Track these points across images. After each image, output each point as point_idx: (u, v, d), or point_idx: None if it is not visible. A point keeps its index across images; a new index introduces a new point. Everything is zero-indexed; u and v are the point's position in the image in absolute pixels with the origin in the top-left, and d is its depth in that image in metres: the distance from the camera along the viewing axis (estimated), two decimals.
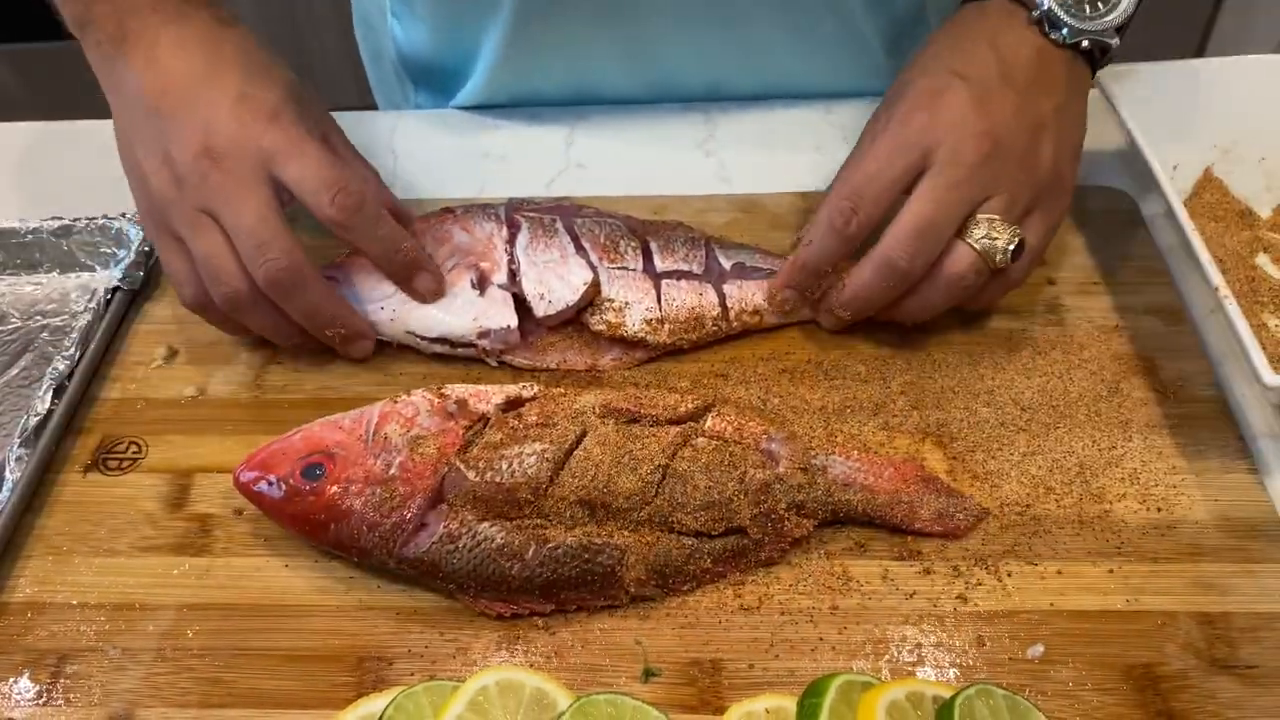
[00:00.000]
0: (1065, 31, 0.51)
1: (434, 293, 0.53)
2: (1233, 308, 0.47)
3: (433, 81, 0.73)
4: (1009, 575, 0.45)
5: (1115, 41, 0.52)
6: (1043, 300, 0.56)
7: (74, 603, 0.46)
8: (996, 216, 0.49)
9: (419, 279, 0.53)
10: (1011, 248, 0.49)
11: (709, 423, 0.48)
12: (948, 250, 0.49)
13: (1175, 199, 0.52)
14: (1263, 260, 0.58)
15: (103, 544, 0.48)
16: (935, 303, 0.51)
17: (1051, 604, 0.44)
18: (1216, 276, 0.49)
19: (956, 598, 0.45)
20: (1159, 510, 0.47)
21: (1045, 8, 0.51)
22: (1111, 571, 0.45)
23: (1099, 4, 0.51)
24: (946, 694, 0.39)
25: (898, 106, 0.50)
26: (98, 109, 0.71)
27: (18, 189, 0.68)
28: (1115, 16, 0.51)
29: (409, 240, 0.53)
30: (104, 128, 0.72)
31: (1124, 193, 0.61)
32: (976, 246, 0.49)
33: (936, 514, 0.47)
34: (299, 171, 0.49)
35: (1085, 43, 0.51)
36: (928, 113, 0.49)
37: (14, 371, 0.59)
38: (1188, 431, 0.50)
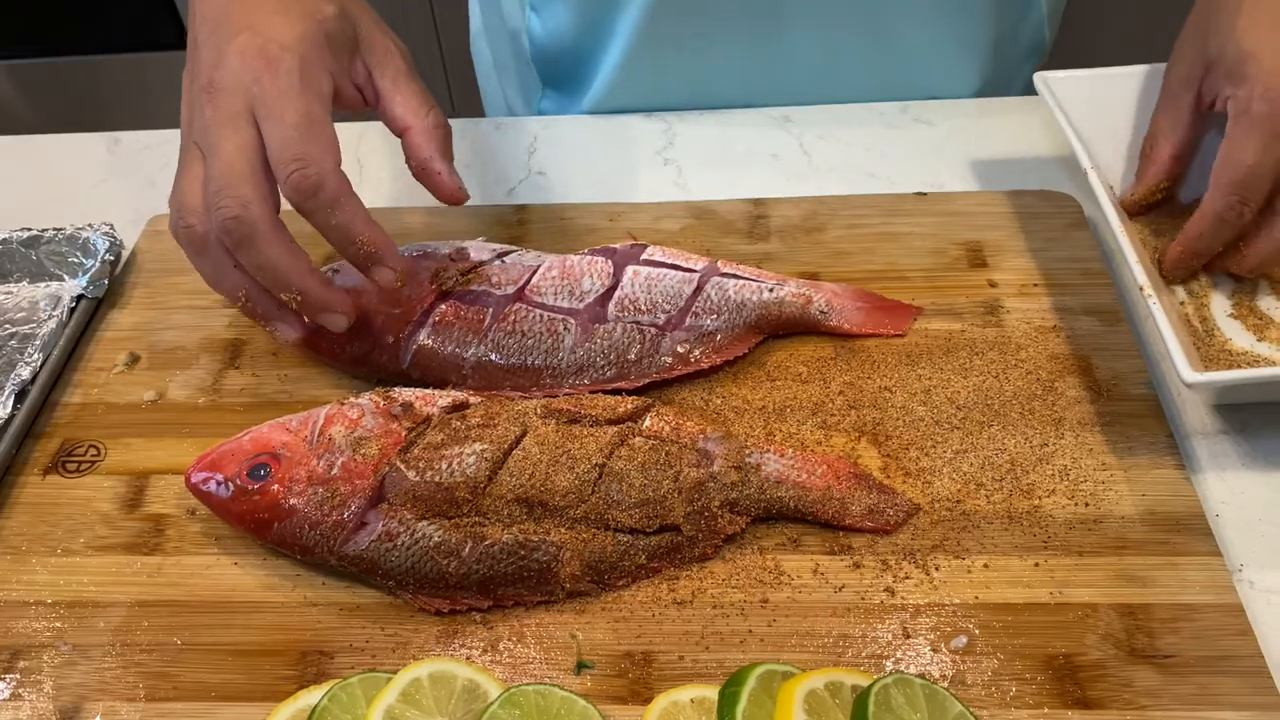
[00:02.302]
0: None
1: (393, 281, 0.50)
2: (1156, 307, 0.48)
3: (561, 81, 0.76)
4: (936, 569, 0.46)
5: None
6: (983, 301, 0.57)
7: (28, 600, 0.48)
8: None
9: (376, 272, 0.50)
10: None
11: (647, 423, 0.49)
12: None
13: (1105, 198, 0.53)
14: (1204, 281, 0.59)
15: (59, 544, 0.50)
16: None
17: (977, 597, 0.45)
18: (1141, 275, 0.50)
19: (884, 590, 0.46)
20: (1087, 505, 0.48)
21: None
22: (1038, 565, 0.46)
23: None
24: (865, 683, 0.40)
25: (1256, 89, 0.51)
26: (66, 125, 0.73)
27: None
28: None
29: (371, 230, 0.49)
30: (70, 140, 0.74)
31: (1069, 196, 0.62)
32: None
33: (867, 510, 0.48)
34: (269, 131, 0.48)
35: None
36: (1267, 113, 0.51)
37: None
38: (1119, 429, 0.51)
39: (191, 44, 0.51)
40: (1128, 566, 0.46)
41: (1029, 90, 0.77)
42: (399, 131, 0.53)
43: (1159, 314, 0.48)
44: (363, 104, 0.53)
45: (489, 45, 0.83)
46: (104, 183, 0.70)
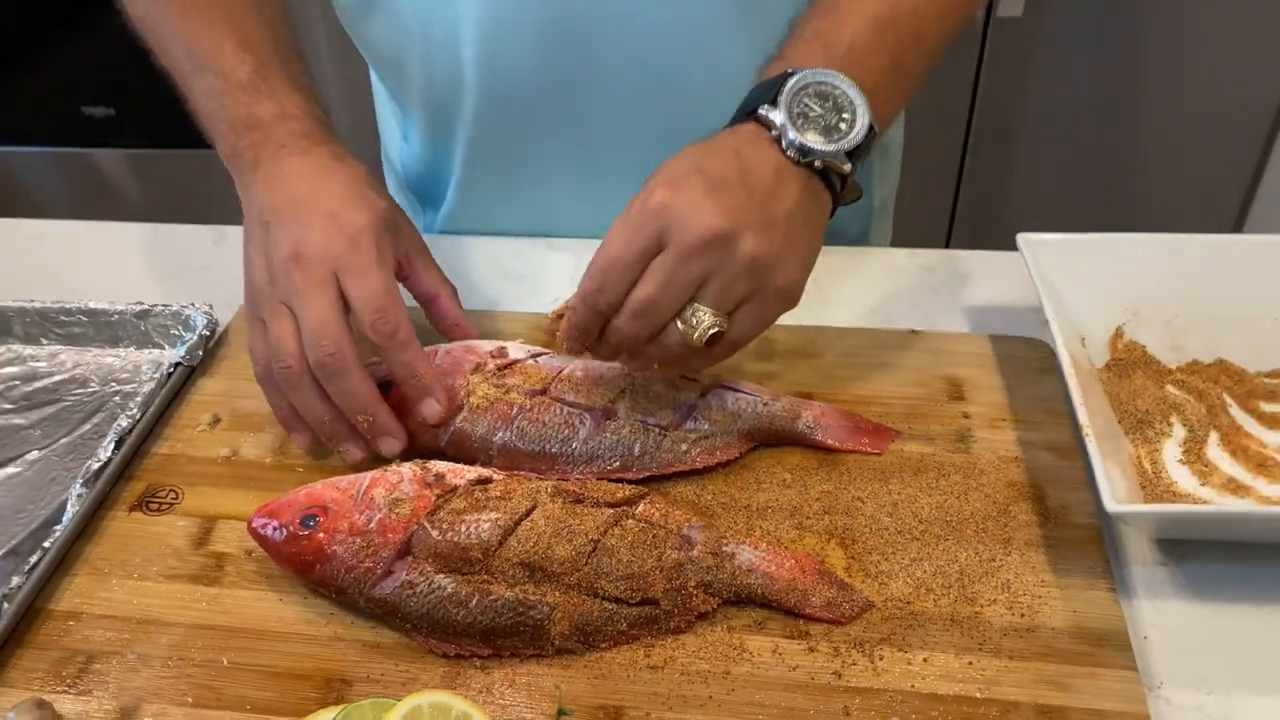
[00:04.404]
0: (794, 151, 0.57)
1: (439, 416, 0.62)
2: (1092, 444, 0.55)
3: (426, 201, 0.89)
4: (881, 659, 0.53)
5: (848, 166, 0.58)
6: (956, 430, 0.64)
7: (106, 615, 0.56)
8: (705, 305, 0.55)
9: (425, 404, 0.62)
10: (712, 332, 0.55)
11: (641, 508, 0.57)
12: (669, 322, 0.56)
13: (1063, 349, 0.60)
14: (1173, 422, 0.65)
15: (135, 570, 0.59)
16: (649, 363, 0.58)
17: (913, 686, 0.51)
18: (1084, 417, 0.57)
19: (832, 674, 0.52)
20: (1022, 616, 0.54)
21: (782, 126, 0.57)
22: (971, 664, 0.52)
23: (835, 131, 0.57)
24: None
25: (645, 191, 0.56)
26: (183, 216, 0.86)
27: (113, 278, 0.81)
28: (846, 143, 0.57)
29: (427, 371, 0.62)
30: (184, 230, 0.86)
31: (1043, 343, 0.69)
32: (680, 325, 0.55)
33: (827, 602, 0.54)
34: (355, 291, 0.60)
35: (818, 163, 0.57)
36: (665, 196, 0.55)
37: (87, 426, 0.70)
38: (1061, 552, 0.57)
39: (260, 227, 0.63)
40: (1051, 673, 0.52)
41: (862, 239, 0.89)
42: (427, 298, 0.67)
43: (1093, 451, 0.55)
44: (400, 275, 0.66)
45: (386, 172, 0.96)
46: (208, 269, 0.82)
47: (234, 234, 0.85)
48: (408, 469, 0.58)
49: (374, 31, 0.80)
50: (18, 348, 0.76)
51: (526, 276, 0.81)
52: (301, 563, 0.55)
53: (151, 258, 0.84)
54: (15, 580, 0.56)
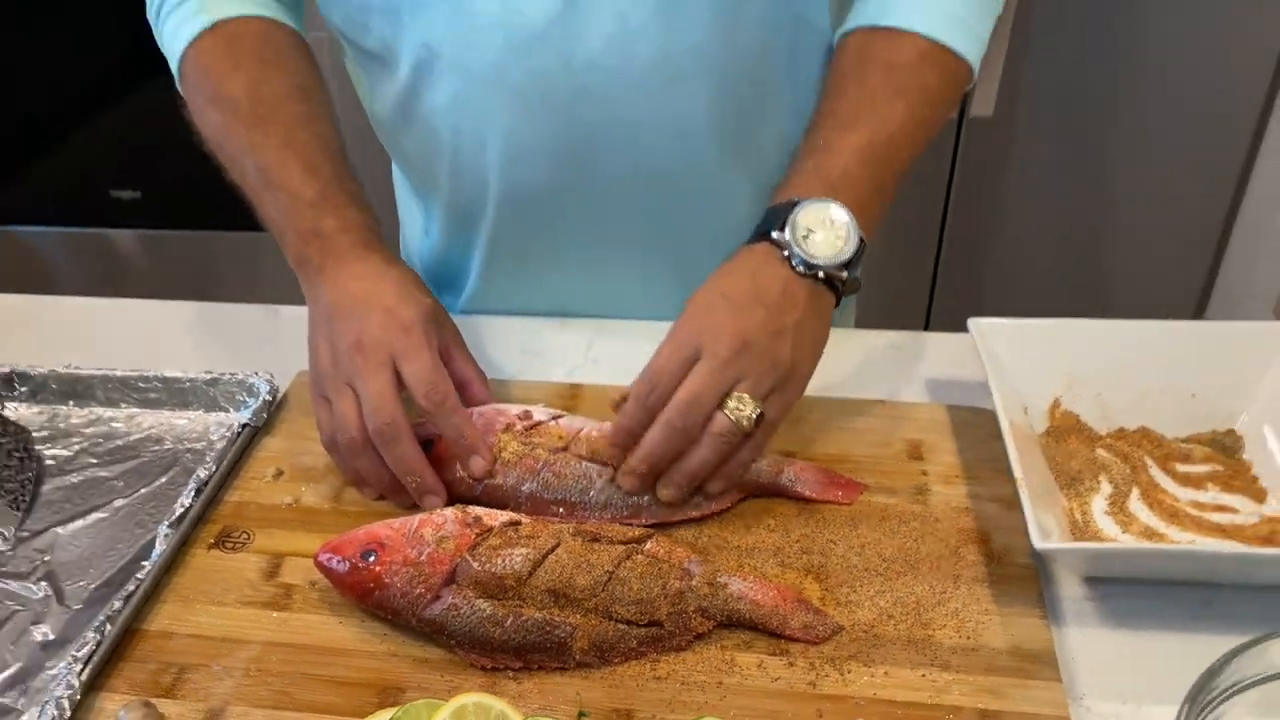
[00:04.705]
0: (802, 265, 0.71)
1: (484, 471, 0.73)
2: (1024, 492, 0.66)
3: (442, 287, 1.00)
4: (849, 672, 0.63)
5: (845, 274, 0.72)
6: (915, 485, 0.75)
7: (194, 634, 0.66)
8: (746, 394, 0.68)
9: (472, 460, 0.73)
10: (755, 416, 0.68)
11: (648, 546, 0.67)
12: (710, 416, 0.68)
13: (1004, 419, 0.72)
14: (1102, 480, 0.76)
15: (216, 597, 0.69)
16: (707, 458, 0.69)
17: (875, 694, 0.61)
18: (1019, 472, 0.68)
19: (808, 684, 0.62)
20: (968, 638, 0.64)
21: (790, 247, 0.71)
22: (923, 676, 0.62)
23: (833, 247, 0.71)
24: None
25: (683, 316, 0.71)
26: (205, 295, 0.98)
27: (185, 350, 0.92)
28: (840, 256, 0.71)
29: (473, 433, 0.73)
30: (245, 309, 0.97)
31: (992, 412, 0.80)
32: (729, 415, 0.68)
33: (803, 625, 0.65)
34: (409, 369, 0.72)
35: (821, 273, 0.71)
36: (699, 321, 0.70)
37: (164, 479, 0.81)
38: (1002, 587, 0.68)
39: (325, 321, 0.76)
40: (990, 684, 0.62)
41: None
42: (462, 383, 0.77)
43: (1025, 501, 0.66)
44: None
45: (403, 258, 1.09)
46: (266, 341, 0.93)
47: (287, 311, 0.97)
48: (450, 512, 0.69)
49: (408, 142, 0.93)
50: (99, 410, 0.87)
51: (543, 352, 0.92)
52: (362, 590, 0.66)
53: (218, 333, 0.95)
54: (116, 604, 0.66)
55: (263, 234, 0.83)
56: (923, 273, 2.12)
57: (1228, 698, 0.55)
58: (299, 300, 0.82)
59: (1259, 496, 0.74)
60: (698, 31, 0.81)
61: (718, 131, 0.86)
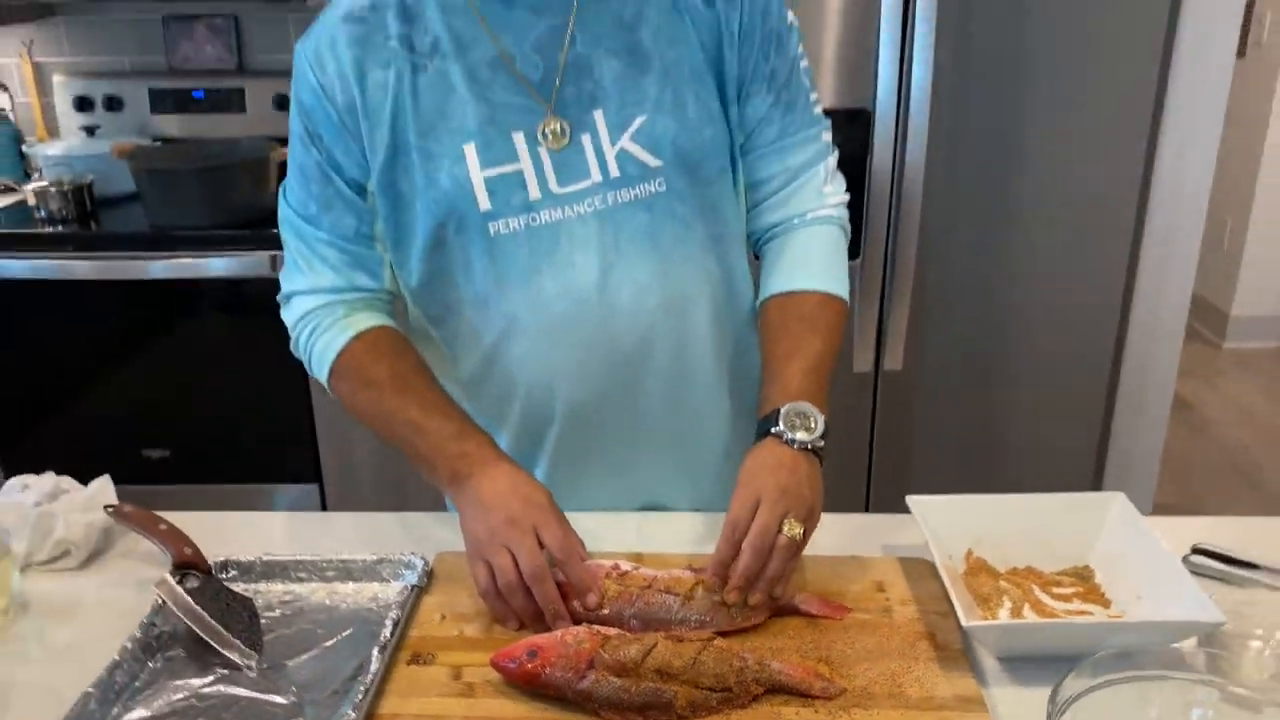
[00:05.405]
0: (797, 445, 1.12)
1: (596, 604, 1.07)
2: (956, 603, 1.03)
3: None
4: (853, 714, 0.97)
5: (822, 443, 1.14)
6: (881, 607, 1.11)
7: (415, 713, 0.98)
8: (793, 520, 1.07)
9: (589, 596, 1.07)
10: (799, 532, 1.07)
11: (716, 642, 1.02)
12: (775, 539, 1.06)
13: (941, 567, 1.09)
14: (1005, 601, 1.14)
15: (421, 693, 1.01)
16: (778, 567, 1.06)
17: None
18: (953, 595, 1.05)
19: None
20: (926, 692, 0.99)
21: (787, 438, 1.13)
22: (900, 714, 0.97)
23: (811, 430, 1.13)
24: None
25: (739, 488, 1.10)
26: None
27: (361, 543, 1.26)
28: (816, 433, 1.13)
29: (589, 578, 1.08)
30: (392, 515, 1.32)
31: (930, 561, 1.18)
32: (786, 533, 1.06)
33: (821, 688, 0.99)
34: (547, 535, 1.08)
35: (809, 447, 1.13)
36: (753, 485, 1.09)
37: (351, 630, 1.13)
38: (945, 662, 1.03)
39: (480, 509, 1.12)
40: (942, 717, 0.96)
41: None
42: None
43: (956, 603, 1.02)
44: None
45: None
46: (407, 535, 1.28)
47: (413, 517, 1.32)
48: (580, 628, 1.03)
49: (486, 390, 1.32)
50: (292, 586, 1.20)
51: (603, 535, 1.28)
52: (529, 677, 0.99)
53: (376, 536, 1.30)
54: (358, 697, 0.98)
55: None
56: (858, 477, 2.59)
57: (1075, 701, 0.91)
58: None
59: (1106, 605, 1.12)
60: (688, 285, 1.26)
61: (714, 352, 1.30)
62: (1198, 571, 1.15)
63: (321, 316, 1.25)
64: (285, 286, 1.28)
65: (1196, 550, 1.19)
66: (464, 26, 1.17)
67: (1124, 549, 1.15)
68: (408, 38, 1.16)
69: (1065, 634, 1.03)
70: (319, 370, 1.28)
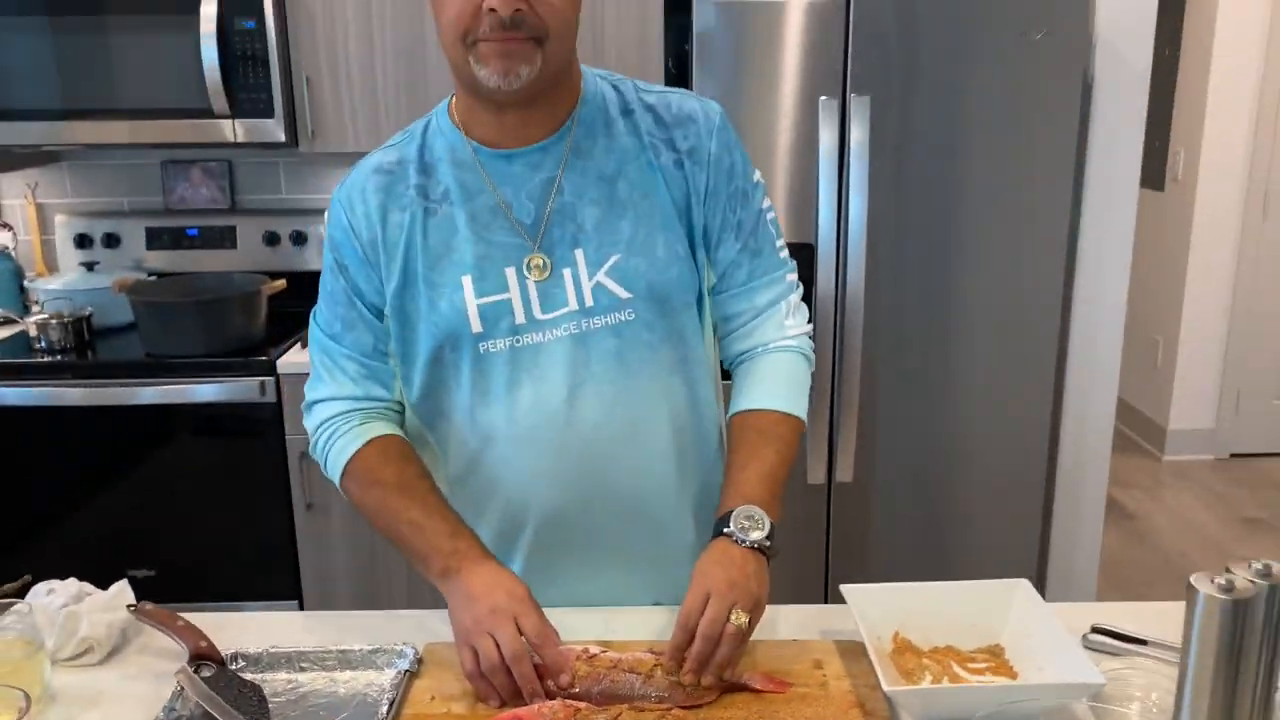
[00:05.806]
0: (746, 544, 1.28)
1: (568, 683, 1.22)
2: (881, 677, 1.19)
3: None
4: None
5: (769, 543, 1.30)
6: (820, 682, 1.27)
7: None
8: (740, 610, 1.22)
9: (561, 676, 1.22)
10: (745, 621, 1.22)
11: (674, 712, 1.17)
12: (724, 626, 1.21)
13: (870, 648, 1.25)
14: (927, 675, 1.30)
15: None
16: (727, 652, 1.21)
17: None
18: (879, 669, 1.21)
19: None
20: None
21: (737, 537, 1.29)
22: None
23: (759, 530, 1.29)
24: None
25: (694, 583, 1.25)
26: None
27: (357, 636, 1.41)
28: (764, 534, 1.29)
29: (561, 660, 1.22)
30: (385, 613, 1.47)
31: (863, 642, 1.34)
32: (734, 622, 1.22)
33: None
34: (526, 624, 1.23)
35: (757, 546, 1.29)
36: (705, 581, 1.24)
37: (349, 712, 1.26)
38: None
39: (467, 600, 1.28)
40: None
41: None
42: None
43: (880, 676, 1.19)
44: None
45: None
46: (401, 626, 1.42)
47: (403, 615, 1.46)
48: (557, 702, 1.18)
49: (470, 486, 1.49)
50: (296, 675, 1.34)
51: (575, 628, 1.43)
52: None
53: (367, 632, 1.44)
54: None
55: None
56: (818, 569, 2.74)
57: None
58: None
59: (1014, 676, 1.28)
60: (651, 402, 1.43)
61: (675, 469, 1.47)
62: (1093, 647, 1.32)
63: (339, 424, 1.42)
64: (309, 395, 1.45)
65: (1095, 630, 1.36)
66: (470, 179, 1.39)
67: (1029, 629, 1.32)
68: (424, 187, 1.37)
69: (971, 696, 1.19)
70: (333, 470, 1.45)
